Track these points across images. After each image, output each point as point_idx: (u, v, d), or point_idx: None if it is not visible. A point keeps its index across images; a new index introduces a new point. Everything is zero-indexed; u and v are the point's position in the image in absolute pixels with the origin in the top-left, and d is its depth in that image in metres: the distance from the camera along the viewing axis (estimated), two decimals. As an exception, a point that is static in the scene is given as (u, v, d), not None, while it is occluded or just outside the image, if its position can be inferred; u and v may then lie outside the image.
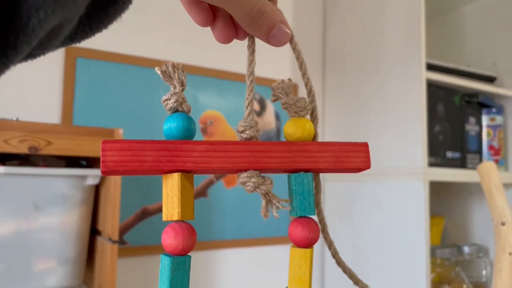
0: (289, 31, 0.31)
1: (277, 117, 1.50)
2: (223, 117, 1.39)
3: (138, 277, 1.22)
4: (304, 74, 0.34)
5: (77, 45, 1.15)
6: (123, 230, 1.20)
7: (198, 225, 1.32)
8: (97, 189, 0.95)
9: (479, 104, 1.48)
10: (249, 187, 0.30)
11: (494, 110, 1.48)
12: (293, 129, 0.32)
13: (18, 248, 0.82)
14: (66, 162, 0.94)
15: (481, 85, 1.43)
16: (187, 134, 0.29)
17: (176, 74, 0.30)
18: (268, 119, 1.48)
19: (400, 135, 1.32)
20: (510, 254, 0.79)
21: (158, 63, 1.28)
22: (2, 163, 0.82)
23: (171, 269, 0.27)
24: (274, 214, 0.31)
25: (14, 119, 0.80)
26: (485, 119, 1.48)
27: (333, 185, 1.56)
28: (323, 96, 1.65)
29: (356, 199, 1.45)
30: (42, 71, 1.13)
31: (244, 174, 0.30)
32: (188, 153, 0.28)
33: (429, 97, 1.30)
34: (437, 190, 1.73)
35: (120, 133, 0.88)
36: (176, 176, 0.28)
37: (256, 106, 1.46)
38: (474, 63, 1.64)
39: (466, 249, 1.47)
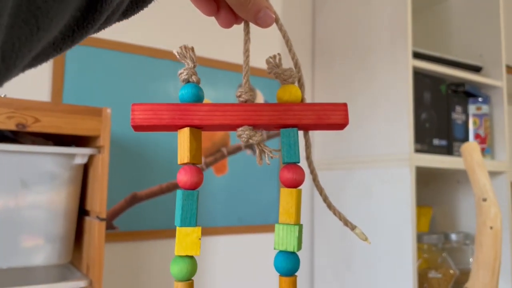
0: (273, 15, 0.37)
1: (267, 106, 1.51)
2: (213, 105, 1.40)
3: (128, 262, 1.23)
4: (290, 49, 0.41)
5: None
6: (113, 215, 1.21)
7: (187, 211, 1.32)
8: (85, 170, 0.96)
9: (466, 93, 1.50)
10: (243, 139, 0.36)
11: (480, 99, 1.51)
12: (281, 93, 0.38)
13: (6, 224, 0.82)
14: (53, 143, 0.95)
15: (468, 75, 1.45)
16: (196, 99, 0.37)
17: (188, 54, 0.38)
18: (258, 108, 1.49)
19: (387, 122, 1.33)
20: (491, 228, 0.81)
21: (147, 50, 1.29)
22: (-10, 140, 0.83)
23: (182, 199, 0.35)
24: (267, 161, 0.37)
25: (2, 95, 0.80)
26: (471, 108, 1.51)
27: (321, 174, 1.57)
28: (313, 86, 1.67)
29: (344, 187, 1.47)
30: (32, 56, 1.14)
31: (240, 129, 0.37)
32: (195, 112, 0.36)
33: (416, 85, 1.32)
34: (426, 181, 1.75)
35: (108, 112, 0.88)
36: (186, 130, 0.36)
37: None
38: (461, 54, 1.66)
39: (453, 236, 1.49)
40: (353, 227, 0.39)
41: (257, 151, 0.37)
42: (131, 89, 1.26)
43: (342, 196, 1.47)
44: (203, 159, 1.36)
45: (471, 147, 0.91)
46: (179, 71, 0.38)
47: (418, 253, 1.35)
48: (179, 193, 0.35)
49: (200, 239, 0.34)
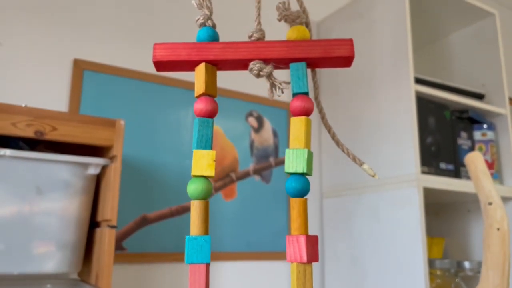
0: None
1: (275, 133, 1.55)
2: (222, 131, 1.44)
3: (136, 284, 1.22)
4: (301, 5, 0.44)
5: (85, 58, 1.23)
6: (123, 236, 1.22)
7: (196, 236, 1.33)
8: (98, 182, 0.98)
9: (470, 119, 1.52)
10: (254, 72, 0.39)
11: (485, 126, 1.53)
12: (290, 33, 0.41)
13: (19, 230, 0.84)
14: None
15: (471, 101, 1.48)
16: (211, 39, 0.41)
17: (205, 3, 0.42)
18: (266, 136, 1.53)
19: (393, 146, 1.36)
20: (498, 229, 0.81)
21: (160, 78, 1.35)
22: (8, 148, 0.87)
23: (198, 126, 0.38)
24: (277, 94, 0.40)
25: (23, 105, 0.85)
26: (476, 134, 1.53)
27: (331, 201, 1.58)
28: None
29: (353, 212, 1.46)
30: (50, 82, 1.20)
31: (251, 63, 0.39)
32: (210, 49, 0.40)
33: (420, 110, 1.36)
34: (436, 211, 1.74)
35: (122, 124, 0.93)
36: (202, 65, 0.39)
37: (254, 123, 1.51)
38: (463, 84, 1.71)
39: (466, 264, 1.46)
40: (361, 163, 0.42)
41: (268, 84, 0.39)
42: (143, 115, 1.31)
43: (352, 221, 1.47)
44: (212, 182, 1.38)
45: (475, 156, 0.92)
46: (196, 18, 0.42)
47: (431, 279, 1.33)
48: (196, 121, 0.38)
49: (214, 161, 0.37)
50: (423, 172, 1.32)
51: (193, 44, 0.40)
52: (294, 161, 0.37)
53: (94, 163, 0.91)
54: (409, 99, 1.31)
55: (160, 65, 0.40)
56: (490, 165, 1.50)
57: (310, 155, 0.37)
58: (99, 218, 0.96)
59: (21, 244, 0.84)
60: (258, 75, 0.39)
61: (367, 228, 1.40)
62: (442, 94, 1.42)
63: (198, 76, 0.39)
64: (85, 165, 0.91)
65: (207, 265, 0.36)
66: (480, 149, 1.51)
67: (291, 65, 0.40)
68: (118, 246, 1.21)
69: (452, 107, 1.50)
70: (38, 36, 1.21)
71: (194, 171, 0.37)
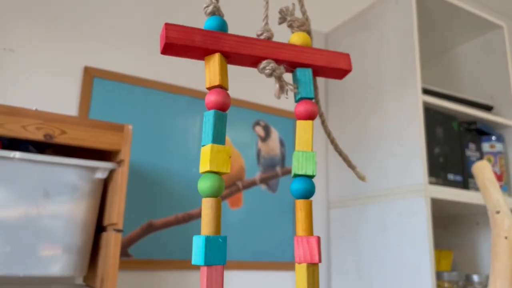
0: None
1: (282, 143, 1.55)
2: (229, 140, 1.44)
3: (141, 291, 1.22)
4: (302, 5, 0.46)
5: (95, 66, 1.25)
6: (129, 243, 1.22)
7: (202, 244, 1.32)
8: (105, 187, 0.99)
9: (478, 131, 1.52)
10: (268, 71, 0.39)
11: (493, 138, 1.52)
12: (295, 38, 0.43)
13: (26, 232, 0.85)
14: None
15: (479, 113, 1.48)
16: (221, 30, 0.40)
17: None
18: (273, 145, 1.53)
19: (400, 156, 1.35)
20: (505, 238, 0.80)
21: (168, 86, 1.37)
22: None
23: (214, 119, 0.36)
24: (286, 95, 0.40)
25: (33, 108, 0.86)
26: (485, 146, 1.52)
27: (337, 212, 1.57)
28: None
29: (360, 223, 1.46)
30: (61, 89, 1.22)
31: (265, 61, 0.39)
32: (226, 40, 0.39)
33: (428, 121, 1.35)
34: (444, 224, 1.73)
35: (130, 128, 0.93)
36: (217, 55, 0.38)
37: (261, 132, 1.52)
38: (472, 97, 1.70)
39: (475, 277, 1.43)
40: (354, 167, 0.42)
41: (277, 86, 0.40)
42: (151, 122, 1.33)
43: (359, 232, 1.46)
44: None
45: (483, 165, 0.92)
46: (204, 5, 0.41)
47: (439, 291, 1.31)
48: (210, 114, 0.37)
49: (230, 157, 0.36)
50: (431, 183, 1.31)
51: (208, 31, 0.39)
52: (303, 164, 0.38)
53: (101, 167, 0.92)
54: (417, 109, 1.31)
55: (169, 47, 0.37)
56: (499, 177, 1.49)
57: (315, 158, 0.38)
58: (106, 222, 0.96)
59: (28, 246, 0.85)
60: (270, 75, 0.39)
61: (373, 239, 1.39)
62: (450, 105, 1.42)
63: (211, 67, 0.38)
64: (93, 169, 0.92)
65: (223, 267, 0.34)
66: (489, 161, 1.50)
67: (298, 70, 0.41)
68: (124, 253, 1.21)
69: (460, 118, 1.49)
70: (50, 43, 1.23)
71: (212, 167, 0.35)
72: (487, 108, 1.56)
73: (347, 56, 0.42)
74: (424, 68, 1.90)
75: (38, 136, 0.85)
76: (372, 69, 1.53)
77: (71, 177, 0.90)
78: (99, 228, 0.99)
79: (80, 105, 1.23)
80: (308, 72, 0.41)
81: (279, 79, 0.39)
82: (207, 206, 0.35)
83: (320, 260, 0.36)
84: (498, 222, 0.82)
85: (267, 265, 1.44)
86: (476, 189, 1.42)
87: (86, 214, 0.91)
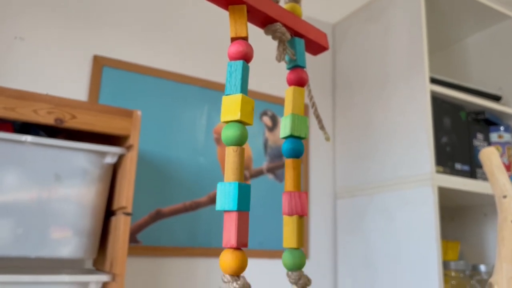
0: None
1: (289, 133, 1.55)
2: (237, 129, 1.45)
3: (149, 276, 1.23)
4: None
5: (104, 55, 1.26)
6: (137, 229, 1.24)
7: (207, 232, 1.34)
8: (114, 173, 1.00)
9: (486, 121, 1.51)
10: (278, 34, 0.41)
11: (501, 128, 1.51)
12: (291, 7, 0.46)
13: (37, 215, 0.86)
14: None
15: (487, 103, 1.47)
16: None
17: None
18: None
19: (407, 145, 1.35)
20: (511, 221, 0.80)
21: (177, 76, 1.37)
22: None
23: (243, 71, 0.37)
24: (286, 60, 0.42)
25: (45, 93, 0.88)
26: (493, 136, 1.51)
27: (344, 202, 1.58)
28: (333, 116, 1.72)
29: (366, 213, 1.46)
30: (70, 78, 1.24)
31: (277, 24, 0.41)
32: None
33: (435, 110, 1.35)
34: (451, 216, 1.72)
35: (138, 114, 0.95)
36: (244, 7, 0.39)
37: (269, 122, 1.53)
38: (480, 87, 1.70)
39: (482, 268, 1.43)
40: (322, 128, 0.47)
41: (280, 49, 0.41)
42: (159, 111, 1.34)
43: (366, 222, 1.46)
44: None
45: (490, 151, 0.91)
46: None
47: (446, 280, 1.31)
48: (238, 64, 0.37)
49: (253, 109, 0.38)
50: (438, 172, 1.31)
51: None
52: (298, 126, 0.41)
53: (111, 152, 0.93)
54: (424, 99, 1.31)
55: None
56: (507, 167, 1.48)
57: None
58: (115, 206, 0.97)
59: (39, 228, 0.86)
60: (280, 38, 0.41)
61: (380, 229, 1.40)
62: (458, 94, 1.41)
63: (237, 18, 0.38)
64: (103, 154, 0.93)
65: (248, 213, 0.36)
66: (497, 151, 1.49)
67: (296, 39, 0.43)
68: (133, 239, 1.22)
69: (468, 108, 1.49)
70: (59, 33, 1.25)
71: (241, 116, 0.35)
72: (496, 98, 1.55)
73: (325, 35, 0.46)
74: (433, 59, 1.90)
75: (49, 120, 0.86)
76: (379, 59, 1.53)
77: (82, 162, 0.91)
78: (109, 213, 1.00)
79: (90, 94, 1.25)
80: (303, 42, 0.43)
81: (283, 43, 0.41)
82: (235, 154, 0.35)
83: (307, 213, 0.40)
84: (505, 206, 0.82)
85: (274, 253, 1.44)
86: (484, 178, 1.42)
87: (96, 198, 0.93)
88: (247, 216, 0.35)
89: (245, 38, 0.38)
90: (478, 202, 1.57)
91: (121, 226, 0.89)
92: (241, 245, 0.34)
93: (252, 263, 1.41)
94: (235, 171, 0.35)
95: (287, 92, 0.42)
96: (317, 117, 0.47)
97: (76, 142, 0.90)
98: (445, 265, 1.33)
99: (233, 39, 0.38)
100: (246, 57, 0.38)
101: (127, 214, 0.90)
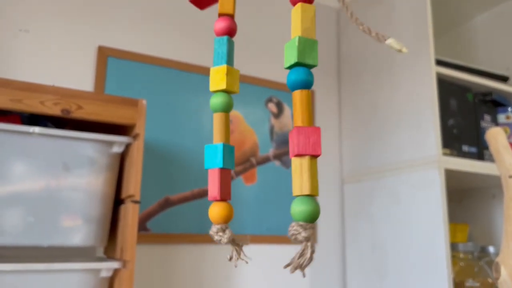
0: None
1: (295, 119, 1.56)
2: (242, 116, 1.46)
3: (159, 263, 1.25)
4: None
5: (109, 45, 1.27)
6: (146, 217, 1.25)
7: (218, 218, 1.35)
8: (121, 162, 1.02)
9: (493, 102, 1.50)
10: None
11: (509, 109, 1.50)
12: None
13: (48, 204, 0.88)
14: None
15: (494, 83, 1.46)
16: None
17: None
18: (286, 121, 1.54)
19: (413, 128, 1.35)
20: (518, 201, 0.80)
21: (180, 64, 1.38)
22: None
23: (227, 43, 0.40)
24: None
25: (51, 84, 0.89)
26: (500, 117, 1.50)
27: (351, 187, 1.58)
28: (339, 100, 1.71)
29: (374, 196, 1.46)
30: (76, 69, 1.25)
31: None
32: None
33: (441, 92, 1.34)
34: (459, 198, 1.72)
35: (144, 103, 0.95)
36: None
37: (274, 109, 1.53)
38: (487, 68, 1.68)
39: (491, 249, 1.44)
40: (385, 39, 0.39)
41: None
42: (165, 100, 1.35)
43: (373, 206, 1.46)
44: (233, 167, 1.40)
45: (496, 131, 0.91)
46: None
47: (454, 262, 1.31)
48: (223, 39, 0.40)
49: (225, 75, 0.39)
50: (445, 154, 1.31)
51: None
52: (307, 51, 0.34)
53: (118, 141, 0.94)
54: (430, 80, 1.30)
55: None
56: (515, 149, 1.47)
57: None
58: (124, 195, 0.99)
59: (50, 217, 0.88)
60: None
61: (388, 212, 1.40)
62: (465, 76, 1.40)
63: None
64: (110, 143, 0.94)
65: (231, 171, 0.40)
66: (505, 132, 1.48)
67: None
68: (142, 227, 1.24)
69: (475, 90, 1.48)
70: (63, 24, 1.25)
71: (226, 86, 0.39)
72: (503, 79, 1.54)
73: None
74: (439, 41, 1.88)
75: (56, 111, 0.87)
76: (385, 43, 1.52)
77: (89, 151, 0.92)
78: (118, 202, 1.02)
79: (95, 85, 1.25)
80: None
81: None
82: (219, 121, 0.39)
83: (320, 153, 0.33)
84: (511, 186, 0.82)
85: (281, 239, 1.46)
86: (492, 160, 1.41)
87: (104, 187, 0.94)
88: (229, 172, 0.39)
89: (230, 15, 0.41)
90: (486, 183, 1.57)
91: (129, 214, 0.91)
92: (224, 197, 0.38)
93: (259, 248, 1.42)
94: (219, 134, 0.39)
95: (293, 12, 0.35)
96: (364, 30, 0.39)
97: (83, 132, 0.91)
98: (453, 247, 1.34)
99: (220, 15, 0.41)
100: (230, 32, 0.41)
101: (135, 202, 0.91)
